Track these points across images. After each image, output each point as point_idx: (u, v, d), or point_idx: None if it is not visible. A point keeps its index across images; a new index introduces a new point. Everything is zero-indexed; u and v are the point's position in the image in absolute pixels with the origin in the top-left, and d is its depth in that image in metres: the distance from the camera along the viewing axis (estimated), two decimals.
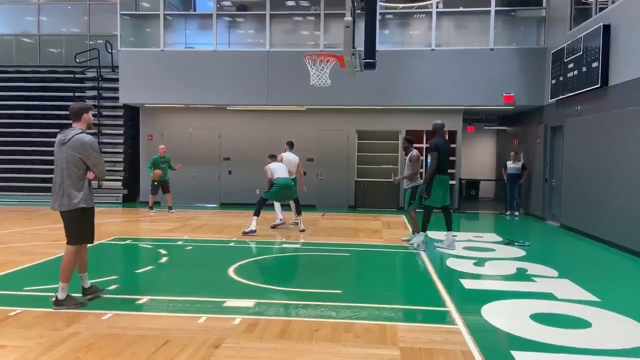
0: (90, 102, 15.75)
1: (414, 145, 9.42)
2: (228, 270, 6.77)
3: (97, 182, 14.88)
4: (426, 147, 14.16)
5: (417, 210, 9.07)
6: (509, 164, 13.81)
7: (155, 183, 12.71)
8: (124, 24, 14.68)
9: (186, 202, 14.46)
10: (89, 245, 5.32)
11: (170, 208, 12.81)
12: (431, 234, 8.98)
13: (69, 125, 5.20)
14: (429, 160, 14.08)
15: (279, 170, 10.00)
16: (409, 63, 13.60)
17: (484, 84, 13.27)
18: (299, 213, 10.29)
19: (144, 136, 15.24)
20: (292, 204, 10.62)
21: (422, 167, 12.56)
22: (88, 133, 5.13)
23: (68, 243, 5.09)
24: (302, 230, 10.08)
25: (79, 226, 5.07)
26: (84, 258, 5.30)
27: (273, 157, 10.54)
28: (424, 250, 8.25)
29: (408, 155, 9.09)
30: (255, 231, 9.53)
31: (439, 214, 8.55)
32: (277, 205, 10.73)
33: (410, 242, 9.00)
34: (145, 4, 15.67)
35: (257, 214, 9.70)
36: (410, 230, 9.49)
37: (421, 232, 8.39)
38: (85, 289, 5.35)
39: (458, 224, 12.16)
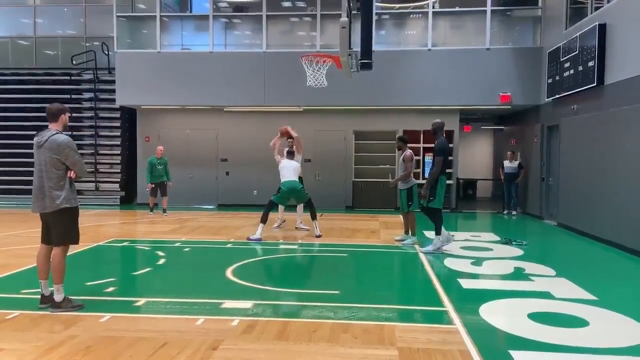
0: (86, 104, 15.81)
1: (408, 144, 9.37)
2: (226, 272, 6.76)
3: (95, 185, 15.05)
4: (423, 147, 14.23)
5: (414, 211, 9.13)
6: (506, 163, 13.84)
7: (153, 185, 12.70)
8: (120, 25, 14.66)
9: (184, 203, 14.45)
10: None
11: (164, 211, 12.73)
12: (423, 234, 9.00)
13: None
14: (426, 160, 14.36)
15: (287, 171, 9.52)
16: (406, 63, 13.62)
17: (481, 84, 13.29)
18: (314, 217, 9.65)
19: (141, 138, 15.23)
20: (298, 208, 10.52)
21: (416, 167, 12.53)
22: (63, 133, 5.11)
23: (55, 245, 5.05)
24: (319, 236, 9.49)
25: (63, 227, 5.02)
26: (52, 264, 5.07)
27: (290, 155, 9.89)
28: (444, 252, 8.15)
29: (402, 155, 9.05)
30: (261, 239, 9.06)
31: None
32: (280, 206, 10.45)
33: (403, 242, 8.98)
34: (142, 5, 15.65)
35: (264, 220, 9.20)
36: (404, 229, 9.46)
37: (437, 236, 8.17)
38: (44, 297, 5.09)
39: (456, 224, 12.19)
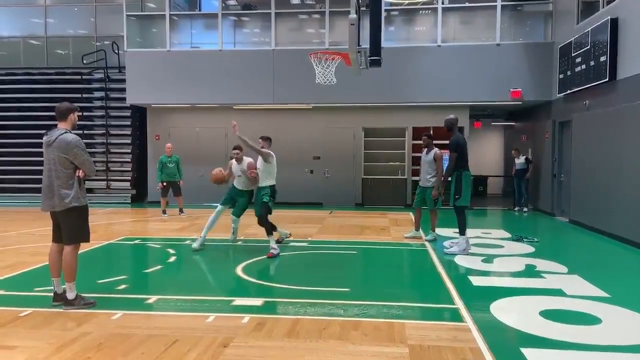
0: (97, 103, 15.93)
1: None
2: (236, 269, 6.79)
3: (106, 183, 15.17)
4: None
5: (423, 208, 9.15)
6: (516, 160, 13.79)
7: (164, 184, 12.33)
8: (130, 24, 14.74)
9: (194, 201, 14.49)
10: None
11: (181, 210, 12.46)
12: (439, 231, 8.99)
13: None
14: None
15: (274, 166, 8.22)
16: (415, 60, 13.55)
17: (491, 80, 13.20)
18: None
19: (151, 136, 15.32)
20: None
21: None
22: (72, 132, 5.15)
23: (66, 244, 5.08)
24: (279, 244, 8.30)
25: (73, 226, 5.05)
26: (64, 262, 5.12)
27: (267, 140, 8.56)
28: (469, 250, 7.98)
29: (432, 153, 8.89)
30: (278, 254, 7.73)
31: (448, 212, 8.46)
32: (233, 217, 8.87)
33: (429, 241, 8.83)
34: (151, 4, 15.72)
35: (271, 231, 7.89)
36: (414, 227, 9.43)
37: (462, 236, 7.96)
38: (57, 294, 5.16)
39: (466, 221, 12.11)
